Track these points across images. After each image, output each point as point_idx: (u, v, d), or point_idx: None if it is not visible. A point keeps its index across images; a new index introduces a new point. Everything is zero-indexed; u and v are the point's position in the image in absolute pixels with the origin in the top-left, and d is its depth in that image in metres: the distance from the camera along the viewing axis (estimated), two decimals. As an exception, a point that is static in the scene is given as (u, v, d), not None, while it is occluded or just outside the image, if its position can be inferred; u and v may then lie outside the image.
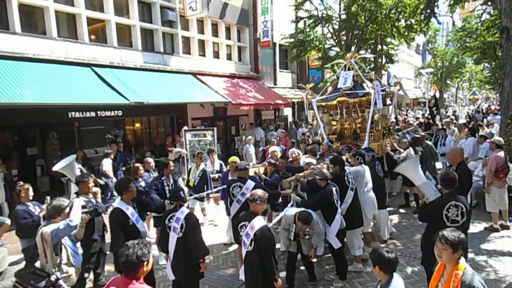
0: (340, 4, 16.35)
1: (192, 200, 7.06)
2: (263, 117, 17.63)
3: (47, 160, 10.57)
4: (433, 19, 13.21)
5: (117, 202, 4.42)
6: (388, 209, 6.73)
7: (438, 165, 10.63)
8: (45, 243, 3.38)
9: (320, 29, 17.53)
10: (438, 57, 37.07)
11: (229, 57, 15.91)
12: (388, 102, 11.19)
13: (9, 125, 10.03)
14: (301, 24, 17.97)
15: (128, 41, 11.63)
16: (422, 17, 13.36)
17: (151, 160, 7.19)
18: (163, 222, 4.13)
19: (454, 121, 15.10)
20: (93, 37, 10.59)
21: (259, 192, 3.85)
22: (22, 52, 8.61)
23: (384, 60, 20.49)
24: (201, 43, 14.39)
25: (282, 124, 17.03)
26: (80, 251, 4.10)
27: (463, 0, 12.27)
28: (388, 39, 18.99)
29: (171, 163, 6.18)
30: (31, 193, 5.20)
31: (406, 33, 16.82)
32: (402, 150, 7.72)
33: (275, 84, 18.26)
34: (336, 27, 16.48)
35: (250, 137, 11.27)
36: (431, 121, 14.04)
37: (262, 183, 5.65)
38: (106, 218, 4.78)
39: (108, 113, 9.59)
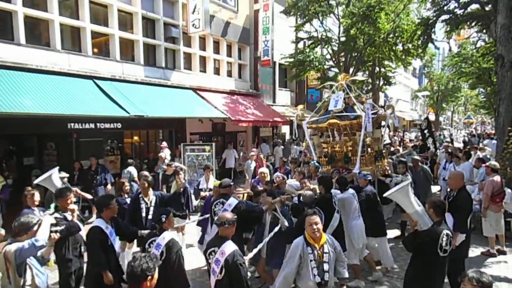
0: (339, 27, 16.72)
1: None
2: (261, 134, 17.73)
3: (43, 170, 10.48)
4: (430, 44, 13.52)
5: (96, 220, 4.15)
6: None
7: (436, 188, 10.66)
8: (8, 263, 3.13)
9: (319, 50, 17.85)
10: (434, 81, 37.69)
11: (229, 74, 16.10)
12: (383, 124, 11.28)
13: (7, 134, 10.00)
14: (301, 45, 18.30)
15: (131, 55, 11.77)
16: (419, 42, 13.69)
17: (146, 173, 7.11)
18: (142, 247, 3.87)
19: (450, 144, 15.20)
20: (96, 50, 10.73)
21: (227, 215, 3.61)
22: (26, 63, 8.68)
23: (381, 82, 20.84)
24: (202, 59, 14.59)
25: (280, 142, 17.14)
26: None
27: (459, 27, 12.63)
28: (386, 62, 19.35)
29: (149, 178, 5.68)
30: (37, 198, 5.19)
31: (404, 57, 17.19)
32: (394, 175, 7.65)
33: (274, 102, 18.45)
34: (335, 48, 16.79)
35: (252, 153, 11.24)
36: (429, 145, 13.91)
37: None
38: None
39: (107, 125, 9.61)
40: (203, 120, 13.38)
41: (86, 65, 10.10)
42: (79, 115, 8.70)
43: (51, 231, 3.52)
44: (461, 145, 18.56)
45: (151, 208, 5.34)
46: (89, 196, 5.70)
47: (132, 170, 9.20)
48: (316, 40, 16.72)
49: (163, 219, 3.83)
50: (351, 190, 5.51)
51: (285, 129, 20.45)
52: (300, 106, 9.12)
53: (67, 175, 7.60)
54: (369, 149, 7.92)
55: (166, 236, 3.73)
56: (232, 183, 5.24)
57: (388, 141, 13.45)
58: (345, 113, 7.55)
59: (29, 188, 5.53)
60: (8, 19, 8.68)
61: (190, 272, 6.07)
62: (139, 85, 11.46)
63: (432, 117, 42.15)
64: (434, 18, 12.02)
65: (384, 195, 4.20)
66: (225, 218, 3.50)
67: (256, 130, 17.26)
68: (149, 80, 11.85)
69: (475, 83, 22.73)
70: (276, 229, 4.66)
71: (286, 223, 4.63)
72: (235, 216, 3.63)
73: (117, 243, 4.15)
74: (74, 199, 4.77)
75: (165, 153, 10.37)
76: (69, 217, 4.36)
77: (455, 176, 5.26)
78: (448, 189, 5.41)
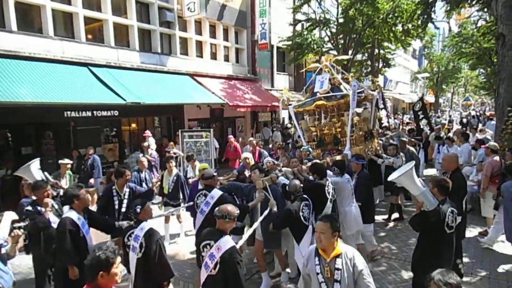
0: (338, 7, 16.42)
1: (166, 207, 6.77)
2: (260, 119, 17.65)
3: (42, 159, 10.43)
4: (430, 24, 13.28)
5: (67, 211, 3.92)
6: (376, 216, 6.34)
7: (433, 171, 10.66)
8: None
9: (317, 32, 17.60)
10: (434, 62, 37.30)
11: (226, 58, 15.91)
12: (381, 106, 11.09)
13: (4, 124, 9.93)
14: (299, 27, 18.02)
15: (126, 41, 11.59)
16: (419, 22, 13.45)
17: (144, 159, 6.94)
18: (122, 240, 3.67)
19: (447, 126, 14.97)
20: (90, 36, 10.55)
21: (229, 207, 3.32)
22: (18, 51, 8.55)
23: (381, 64, 20.62)
24: (199, 44, 14.38)
25: (278, 126, 17.10)
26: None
27: (460, 6, 12.38)
28: (385, 44, 19.11)
29: (127, 172, 5.37)
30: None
31: (403, 38, 16.94)
32: (385, 156, 7.59)
33: (272, 86, 18.29)
34: (333, 30, 16.54)
35: (251, 138, 11.15)
36: (422, 127, 13.11)
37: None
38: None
39: (104, 113, 9.56)
40: (201, 106, 13.29)
41: (80, 52, 9.95)
42: (75, 103, 8.63)
43: (14, 227, 3.33)
44: (459, 127, 18.46)
45: (124, 201, 5.18)
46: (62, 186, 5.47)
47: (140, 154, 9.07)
48: (314, 22, 16.45)
49: (138, 210, 3.62)
50: (346, 176, 5.29)
51: (284, 113, 20.32)
52: (286, 90, 8.85)
53: (71, 162, 7.55)
54: (359, 130, 7.80)
55: (145, 226, 3.53)
56: (215, 174, 4.91)
57: (386, 124, 13.25)
58: (331, 94, 7.39)
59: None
60: (-2, 6, 8.51)
61: (190, 258, 6.11)
62: (134, 72, 11.33)
63: (431, 99, 42.00)
64: (434, -3, 11.76)
65: (389, 179, 4.03)
66: (226, 211, 3.25)
67: (255, 115, 17.18)
68: (145, 66, 11.70)
69: (475, 64, 22.52)
70: (266, 212, 4.46)
71: (275, 208, 4.44)
72: (237, 211, 3.41)
73: (89, 236, 3.94)
74: (54, 192, 4.66)
75: (149, 142, 10.04)
76: (43, 210, 4.17)
77: (449, 158, 5.20)
78: (443, 171, 5.38)
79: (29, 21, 9.32)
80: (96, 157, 8.84)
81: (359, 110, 7.78)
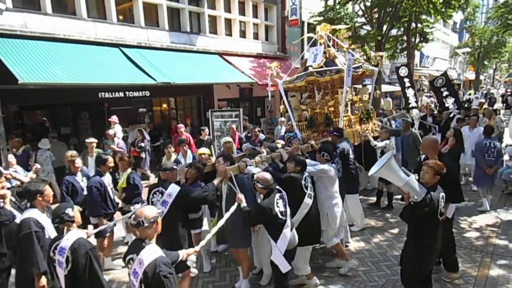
0: (373, -21, 15.53)
1: None
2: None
3: (80, 139, 10.91)
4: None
5: (27, 210, 3.43)
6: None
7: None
8: None
9: (350, 6, 16.81)
10: (476, 35, 34.95)
11: (256, 36, 15.63)
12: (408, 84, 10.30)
13: (43, 105, 10.37)
14: (330, 1, 17.29)
15: (155, 21, 11.62)
16: (462, -8, 12.51)
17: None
18: (48, 255, 3.00)
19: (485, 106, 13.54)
20: (121, 17, 10.66)
21: (146, 210, 2.64)
22: (53, 33, 8.79)
23: (417, 39, 19.52)
24: (228, 22, 14.19)
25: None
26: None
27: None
28: (423, 17, 17.97)
29: (110, 159, 4.98)
30: (78, 164, 5.28)
31: (443, 10, 15.84)
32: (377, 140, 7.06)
33: (302, 64, 17.86)
34: (368, 4, 15.73)
35: (282, 118, 10.80)
36: (448, 105, 11.19)
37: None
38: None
39: (136, 94, 9.74)
40: (230, 85, 13.22)
41: (112, 32, 10.09)
42: (108, 84, 8.81)
43: None
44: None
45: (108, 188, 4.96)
46: (25, 179, 4.77)
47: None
48: (347, -5, 15.69)
49: (70, 213, 2.92)
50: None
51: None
52: (275, 64, 8.01)
53: (96, 140, 7.26)
54: (357, 110, 7.18)
55: (71, 236, 2.87)
56: (175, 166, 4.13)
57: (413, 103, 12.18)
58: (325, 68, 6.73)
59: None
60: (33, -11, 8.72)
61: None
62: (164, 52, 11.40)
63: (472, 76, 39.63)
64: (480, -36, 10.83)
65: (369, 174, 3.78)
66: (142, 216, 2.57)
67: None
68: (174, 46, 11.73)
69: (522, 37, 20.93)
70: (234, 207, 3.82)
71: (244, 202, 3.81)
72: (158, 211, 2.75)
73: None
74: (8, 184, 4.34)
75: (116, 130, 8.77)
76: (1, 204, 3.69)
77: (426, 142, 4.44)
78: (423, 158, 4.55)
79: (63, 3, 9.51)
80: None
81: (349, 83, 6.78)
